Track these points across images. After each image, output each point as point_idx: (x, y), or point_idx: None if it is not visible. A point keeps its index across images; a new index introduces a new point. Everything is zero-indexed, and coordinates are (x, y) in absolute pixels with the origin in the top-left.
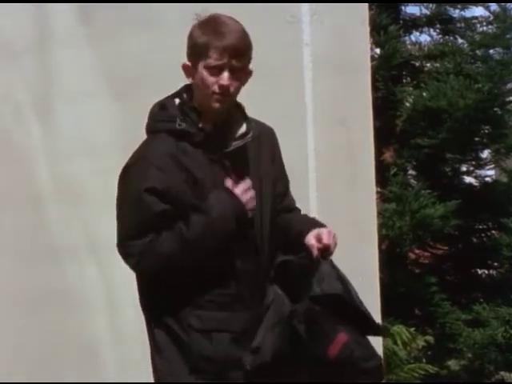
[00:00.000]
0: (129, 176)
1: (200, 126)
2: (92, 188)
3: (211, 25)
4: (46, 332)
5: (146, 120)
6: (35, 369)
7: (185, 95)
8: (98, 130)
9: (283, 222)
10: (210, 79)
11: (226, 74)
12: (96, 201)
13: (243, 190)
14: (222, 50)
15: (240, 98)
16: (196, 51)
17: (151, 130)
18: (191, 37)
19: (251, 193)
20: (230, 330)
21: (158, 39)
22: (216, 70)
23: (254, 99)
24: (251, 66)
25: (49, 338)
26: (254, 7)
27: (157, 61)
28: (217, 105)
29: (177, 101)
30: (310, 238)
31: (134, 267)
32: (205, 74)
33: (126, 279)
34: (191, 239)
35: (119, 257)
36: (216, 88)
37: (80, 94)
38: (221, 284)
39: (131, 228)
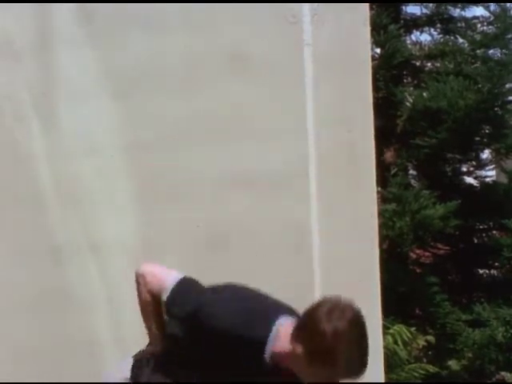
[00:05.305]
0: None
1: None
2: (93, 188)
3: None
4: (46, 332)
5: (145, 120)
6: (35, 368)
7: None
8: (98, 130)
9: None
10: None
11: None
12: (97, 200)
13: None
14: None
15: (241, 98)
16: (321, 358)
17: None
18: (324, 337)
19: None
20: None
21: (158, 39)
22: None
23: (254, 99)
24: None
25: (49, 337)
26: (255, 7)
27: (157, 61)
28: None
29: None
30: None
31: None
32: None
33: (127, 279)
34: None
35: (119, 256)
36: None
37: (81, 94)
38: None
39: None
